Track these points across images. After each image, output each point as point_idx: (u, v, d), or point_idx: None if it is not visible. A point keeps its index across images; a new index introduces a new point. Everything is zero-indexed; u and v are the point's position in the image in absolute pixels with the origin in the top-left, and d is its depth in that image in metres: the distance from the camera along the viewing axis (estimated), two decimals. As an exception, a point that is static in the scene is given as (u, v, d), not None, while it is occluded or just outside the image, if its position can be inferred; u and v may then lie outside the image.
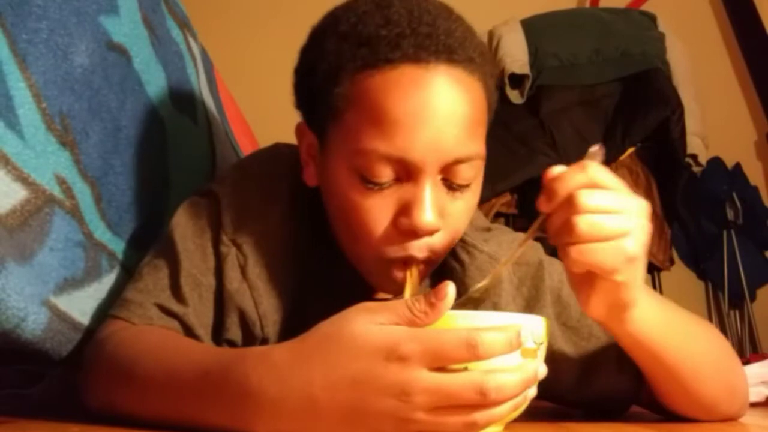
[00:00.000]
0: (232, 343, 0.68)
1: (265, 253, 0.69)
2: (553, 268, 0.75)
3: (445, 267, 0.72)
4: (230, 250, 0.68)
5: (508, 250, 0.72)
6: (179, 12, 1.04)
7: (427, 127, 0.59)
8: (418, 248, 0.63)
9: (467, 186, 0.64)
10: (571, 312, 0.72)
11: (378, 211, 0.62)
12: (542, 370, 0.48)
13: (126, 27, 0.79)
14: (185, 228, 0.69)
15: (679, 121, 1.85)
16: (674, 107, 1.84)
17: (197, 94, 1.02)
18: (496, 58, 1.98)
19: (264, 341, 0.69)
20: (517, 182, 1.82)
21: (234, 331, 0.68)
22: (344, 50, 0.62)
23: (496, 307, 0.71)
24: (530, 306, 0.73)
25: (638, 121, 1.87)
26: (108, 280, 0.73)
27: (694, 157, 1.99)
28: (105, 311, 0.70)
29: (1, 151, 0.57)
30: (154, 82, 0.86)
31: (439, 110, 0.60)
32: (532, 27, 2.01)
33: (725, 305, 2.52)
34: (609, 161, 1.89)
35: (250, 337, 0.69)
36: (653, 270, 2.19)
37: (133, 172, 0.78)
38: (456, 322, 0.47)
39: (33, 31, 0.62)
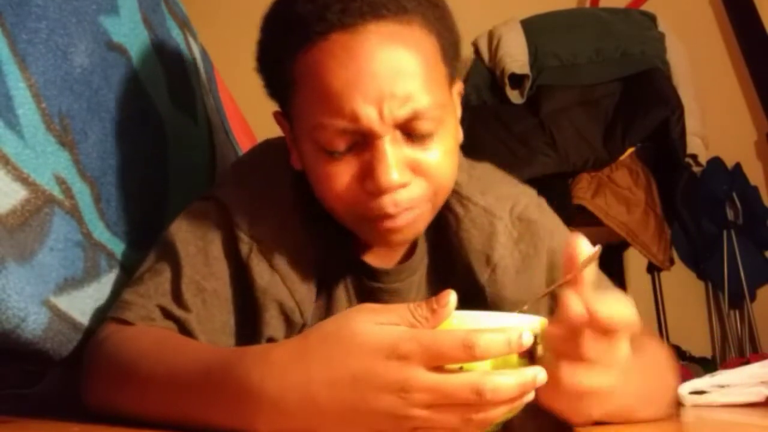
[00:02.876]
0: (272, 341, 0.68)
1: (285, 241, 0.69)
2: (557, 231, 0.76)
3: (439, 220, 0.72)
4: (252, 246, 0.68)
5: (505, 204, 0.74)
6: (179, 12, 1.04)
7: (368, 91, 0.59)
8: (392, 204, 0.62)
9: (430, 136, 0.63)
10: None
11: (344, 177, 0.63)
12: (542, 376, 0.47)
13: (126, 27, 0.79)
14: (187, 233, 0.68)
15: (679, 121, 1.84)
16: (674, 107, 1.83)
17: (197, 94, 1.02)
18: (496, 58, 1.98)
19: (303, 327, 0.70)
20: (517, 182, 1.82)
21: (275, 326, 0.68)
22: (280, 34, 0.63)
23: (489, 260, 0.72)
24: (526, 264, 0.73)
25: (638, 121, 1.86)
26: (107, 280, 0.73)
27: (694, 157, 1.98)
28: (104, 311, 0.70)
29: (1, 151, 0.57)
30: (154, 83, 0.86)
31: (378, 72, 0.59)
32: (532, 27, 2.01)
33: (725, 305, 2.52)
34: (609, 161, 1.89)
35: (291, 327, 0.69)
36: (653, 270, 2.19)
37: (133, 172, 0.78)
38: (453, 321, 0.47)
39: (33, 31, 0.62)
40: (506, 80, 1.95)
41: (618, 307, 0.48)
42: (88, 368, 0.62)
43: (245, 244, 0.68)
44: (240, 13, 2.73)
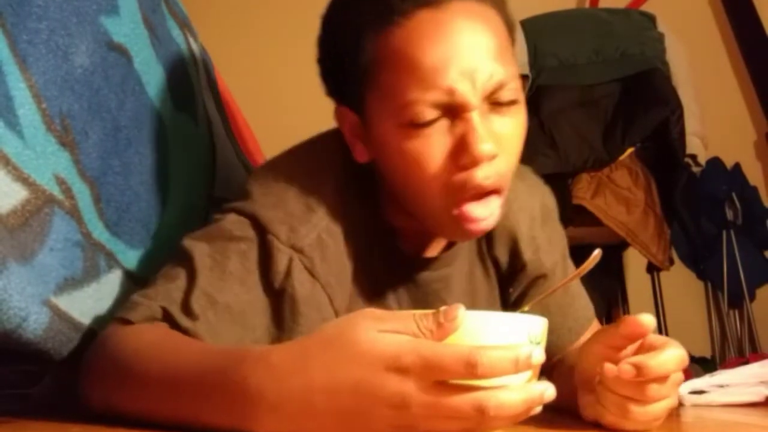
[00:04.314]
0: None
1: (326, 248, 0.69)
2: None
3: None
4: (292, 255, 0.66)
5: (537, 191, 0.85)
6: (179, 12, 1.04)
7: (462, 64, 0.62)
8: (484, 176, 0.64)
9: (513, 103, 0.65)
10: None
11: (436, 147, 0.64)
12: (550, 392, 0.45)
13: (126, 27, 0.80)
14: (204, 245, 0.66)
15: (679, 121, 1.84)
16: (674, 107, 1.84)
17: (197, 94, 1.02)
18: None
19: None
20: (517, 182, 1.83)
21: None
22: (358, 18, 0.65)
23: (533, 241, 0.81)
24: (551, 246, 0.84)
25: (638, 121, 1.87)
26: (106, 281, 0.73)
27: (694, 157, 1.99)
28: (104, 311, 0.70)
29: (2, 151, 0.57)
30: (154, 82, 0.86)
31: (467, 46, 0.63)
32: (532, 27, 2.01)
33: (725, 305, 2.52)
34: (609, 161, 1.89)
35: None
36: (653, 270, 2.19)
37: (133, 173, 0.78)
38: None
39: (33, 32, 0.62)
40: (506, 80, 1.94)
41: (668, 353, 0.55)
42: (87, 367, 0.62)
43: (284, 254, 0.66)
44: (240, 13, 2.73)
